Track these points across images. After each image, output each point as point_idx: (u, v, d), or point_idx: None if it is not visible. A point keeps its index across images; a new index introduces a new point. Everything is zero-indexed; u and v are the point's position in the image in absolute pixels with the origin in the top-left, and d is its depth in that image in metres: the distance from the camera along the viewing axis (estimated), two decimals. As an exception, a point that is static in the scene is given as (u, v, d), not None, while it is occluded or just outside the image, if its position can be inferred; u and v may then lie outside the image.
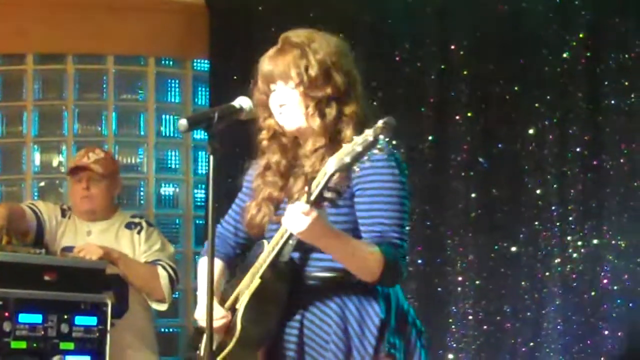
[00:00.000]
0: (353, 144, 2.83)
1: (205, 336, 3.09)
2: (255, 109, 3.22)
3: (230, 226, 3.43)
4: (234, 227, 3.42)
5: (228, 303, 3.26)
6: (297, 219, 2.91)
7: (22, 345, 4.45)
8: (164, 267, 5.03)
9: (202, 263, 3.36)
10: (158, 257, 5.07)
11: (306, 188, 2.95)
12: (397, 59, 5.58)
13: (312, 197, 2.90)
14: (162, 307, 5.09)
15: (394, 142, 3.19)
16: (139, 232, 5.13)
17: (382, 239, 3.07)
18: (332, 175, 2.87)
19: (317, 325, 3.13)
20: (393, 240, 3.08)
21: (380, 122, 2.79)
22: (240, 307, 3.13)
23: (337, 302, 3.12)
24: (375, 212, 3.10)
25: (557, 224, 5.23)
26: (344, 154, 2.84)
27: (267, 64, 3.20)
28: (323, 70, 3.16)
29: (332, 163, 2.86)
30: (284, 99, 3.18)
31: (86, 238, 5.07)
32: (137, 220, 5.20)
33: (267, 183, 3.26)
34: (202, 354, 3.29)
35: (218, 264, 3.38)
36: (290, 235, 3.01)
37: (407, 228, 3.13)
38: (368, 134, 2.80)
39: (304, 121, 3.18)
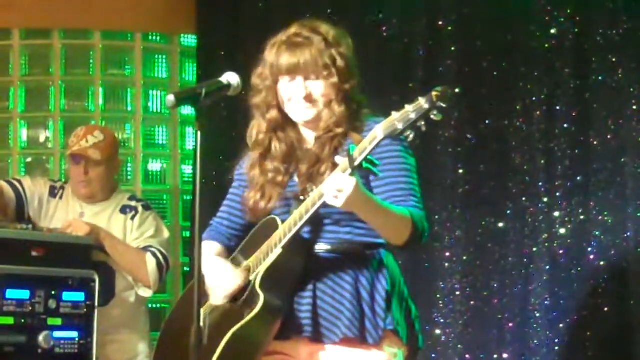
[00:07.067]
0: (405, 110, 2.80)
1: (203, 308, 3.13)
2: (258, 98, 3.25)
3: (224, 219, 3.44)
4: (227, 219, 3.43)
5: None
6: (340, 186, 2.88)
7: (10, 321, 4.45)
8: (153, 254, 5.00)
9: (206, 245, 3.35)
10: (149, 244, 5.04)
11: (338, 158, 2.91)
12: (385, 34, 5.57)
13: (356, 163, 2.87)
14: (147, 293, 5.06)
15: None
16: (132, 218, 5.09)
17: (404, 203, 3.10)
18: (381, 141, 2.85)
19: (330, 296, 3.14)
20: (415, 204, 3.13)
21: (434, 90, 2.77)
22: (258, 276, 3.11)
23: (350, 275, 3.14)
24: (390, 179, 3.12)
25: (544, 199, 5.23)
26: (395, 120, 2.81)
27: (286, 55, 3.18)
28: (348, 62, 3.19)
29: (381, 129, 2.84)
30: (313, 92, 3.18)
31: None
32: (133, 203, 5.15)
33: (267, 170, 3.26)
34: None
35: (217, 245, 3.42)
36: (321, 205, 2.99)
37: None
38: (421, 101, 2.78)
39: (327, 112, 3.18)
